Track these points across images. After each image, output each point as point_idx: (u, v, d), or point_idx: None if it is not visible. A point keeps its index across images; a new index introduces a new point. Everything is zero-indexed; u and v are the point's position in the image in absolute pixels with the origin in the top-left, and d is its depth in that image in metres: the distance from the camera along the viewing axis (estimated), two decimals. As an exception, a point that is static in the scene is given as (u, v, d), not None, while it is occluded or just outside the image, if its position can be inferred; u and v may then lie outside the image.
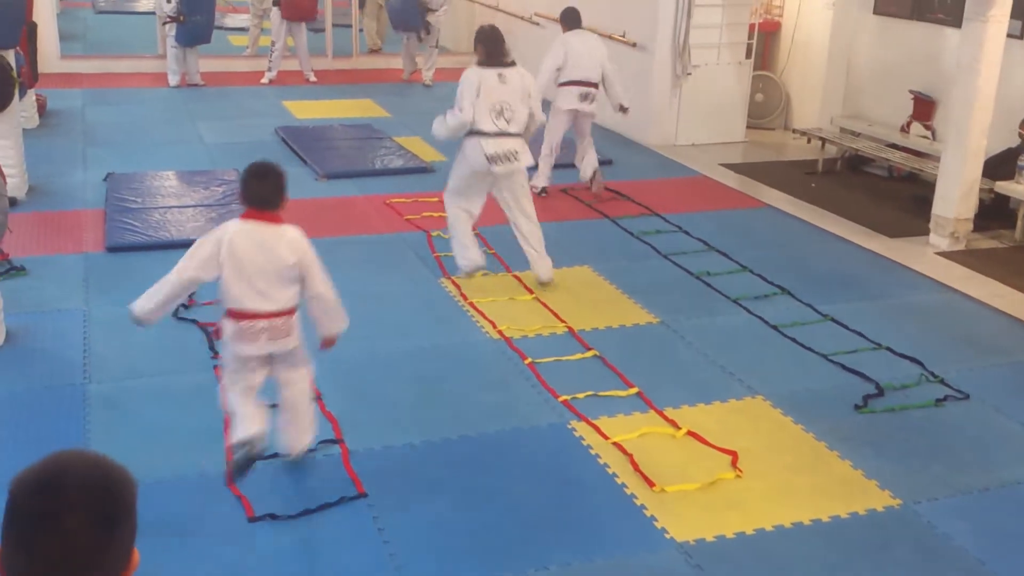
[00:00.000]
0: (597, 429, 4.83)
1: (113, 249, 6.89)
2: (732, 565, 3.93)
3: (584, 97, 8.40)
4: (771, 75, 11.47)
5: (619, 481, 4.43)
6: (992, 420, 5.13)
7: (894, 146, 9.53)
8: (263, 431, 4.20)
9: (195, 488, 4.27)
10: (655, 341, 5.88)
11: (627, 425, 4.89)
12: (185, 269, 4.10)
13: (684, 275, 6.87)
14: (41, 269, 6.51)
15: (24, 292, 6.14)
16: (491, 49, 6.32)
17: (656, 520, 4.17)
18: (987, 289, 6.82)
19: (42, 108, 10.47)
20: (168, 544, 3.90)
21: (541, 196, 8.35)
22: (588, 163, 8.61)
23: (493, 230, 7.55)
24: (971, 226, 7.65)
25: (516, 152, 6.25)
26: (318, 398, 5.00)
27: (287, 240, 4.09)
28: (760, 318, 6.20)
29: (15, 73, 7.70)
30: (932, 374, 5.52)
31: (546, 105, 7.30)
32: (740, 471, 4.55)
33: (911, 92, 9.50)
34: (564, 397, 5.11)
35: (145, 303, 4.18)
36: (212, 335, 4.48)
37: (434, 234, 7.42)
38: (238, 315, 4.10)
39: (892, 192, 9.18)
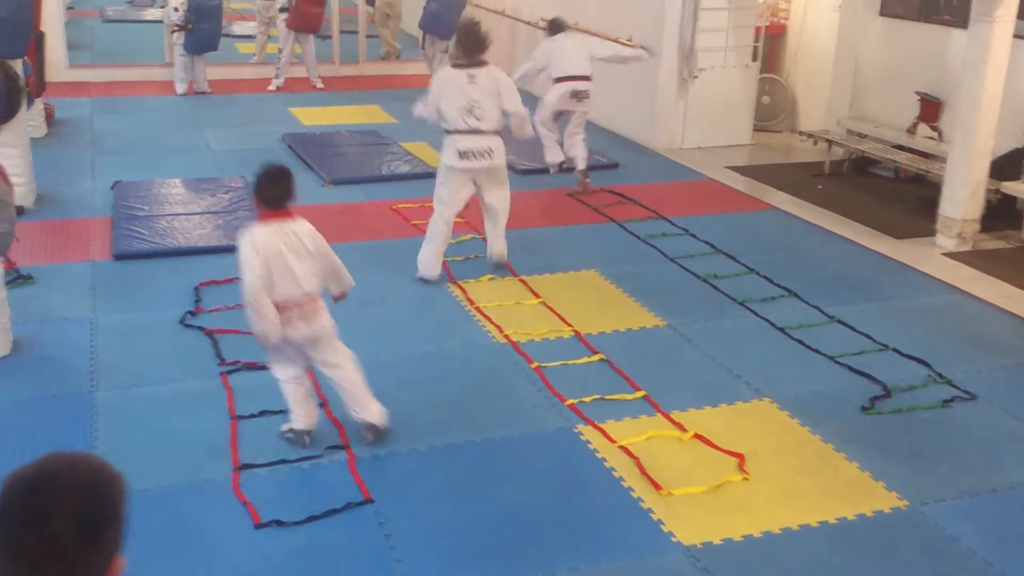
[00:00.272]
0: (604, 433, 4.83)
1: (120, 257, 6.92)
2: (739, 568, 3.92)
3: (575, 95, 8.58)
4: (777, 77, 11.46)
5: (626, 484, 4.43)
6: (999, 421, 5.11)
7: (901, 147, 9.50)
8: (311, 423, 4.69)
9: (202, 495, 4.28)
10: (662, 344, 5.88)
11: (634, 428, 4.89)
12: (252, 282, 4.39)
13: (691, 278, 6.87)
14: (48, 277, 6.54)
15: (31, 300, 6.17)
16: (465, 49, 6.55)
17: (663, 523, 4.17)
18: (994, 290, 6.80)
19: (50, 117, 10.52)
20: (175, 550, 3.92)
21: (563, 169, 9.03)
22: (580, 158, 8.74)
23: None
24: (978, 227, 7.63)
25: (491, 150, 6.49)
26: (324, 404, 5.02)
27: (304, 231, 4.51)
28: (767, 320, 6.19)
29: (23, 82, 7.74)
30: (939, 375, 5.51)
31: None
32: (747, 474, 4.54)
33: (917, 93, 9.48)
34: (571, 401, 5.11)
35: (268, 336, 4.49)
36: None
37: (440, 239, 7.43)
38: (276, 307, 4.44)
39: (899, 193, 9.16)
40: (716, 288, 6.68)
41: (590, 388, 5.25)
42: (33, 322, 5.87)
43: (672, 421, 4.98)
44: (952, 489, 4.48)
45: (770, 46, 11.38)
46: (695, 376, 5.49)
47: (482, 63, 6.52)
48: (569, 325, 6.04)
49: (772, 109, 11.48)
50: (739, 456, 4.66)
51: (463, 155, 6.46)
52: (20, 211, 7.70)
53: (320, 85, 13.09)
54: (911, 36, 9.63)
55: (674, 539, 4.07)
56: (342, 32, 14.10)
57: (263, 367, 5.36)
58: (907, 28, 9.66)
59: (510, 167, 9.47)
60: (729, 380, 5.44)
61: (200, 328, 5.83)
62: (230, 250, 6.35)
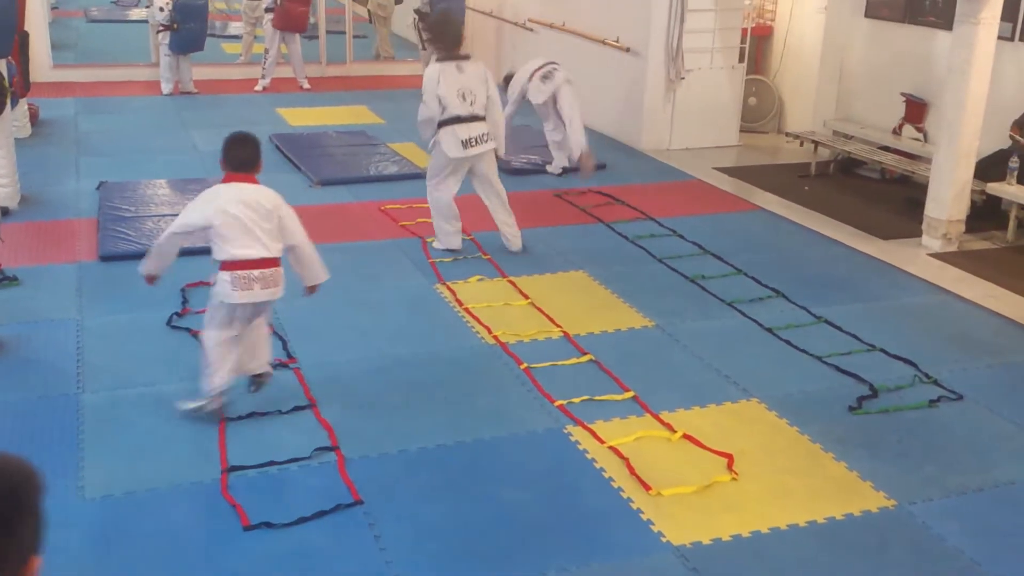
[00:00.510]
0: (593, 433, 4.83)
1: (106, 258, 6.89)
2: (728, 567, 3.93)
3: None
4: (764, 79, 11.50)
5: (615, 485, 4.44)
6: (986, 420, 5.14)
7: (886, 149, 9.55)
8: (223, 386, 4.79)
9: (190, 497, 4.26)
10: (650, 345, 5.89)
11: (623, 429, 4.90)
12: (175, 227, 4.66)
13: (679, 279, 6.88)
14: (34, 279, 6.50)
15: (17, 302, 6.13)
16: (447, 43, 6.92)
17: (652, 523, 4.17)
18: (979, 290, 6.84)
19: (34, 117, 10.46)
20: (163, 553, 3.90)
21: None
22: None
23: (487, 236, 7.57)
24: (963, 227, 7.68)
25: (485, 134, 6.90)
26: (312, 406, 5.01)
27: (265, 193, 4.67)
28: (754, 321, 6.21)
29: (7, 83, 7.70)
30: (926, 375, 5.54)
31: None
32: (736, 474, 4.55)
33: (903, 95, 9.54)
34: (560, 402, 5.12)
35: (149, 265, 4.79)
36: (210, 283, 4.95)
37: (429, 240, 7.43)
38: (234, 265, 4.56)
39: (885, 194, 9.20)
40: (704, 289, 6.70)
41: (579, 389, 5.26)
42: (18, 324, 5.83)
43: (661, 421, 4.98)
44: (939, 489, 4.51)
45: (756, 48, 11.42)
46: (684, 376, 5.50)
47: (466, 56, 6.99)
48: (558, 326, 6.05)
49: (759, 110, 11.52)
50: (728, 456, 4.68)
51: (466, 144, 6.78)
52: (4, 212, 7.67)
53: (307, 85, 13.06)
54: (896, 38, 9.68)
55: (664, 539, 4.07)
56: (329, 32, 14.07)
57: (251, 368, 5.37)
58: (892, 30, 9.72)
59: (499, 168, 9.52)
60: (717, 380, 5.45)
61: (187, 330, 5.80)
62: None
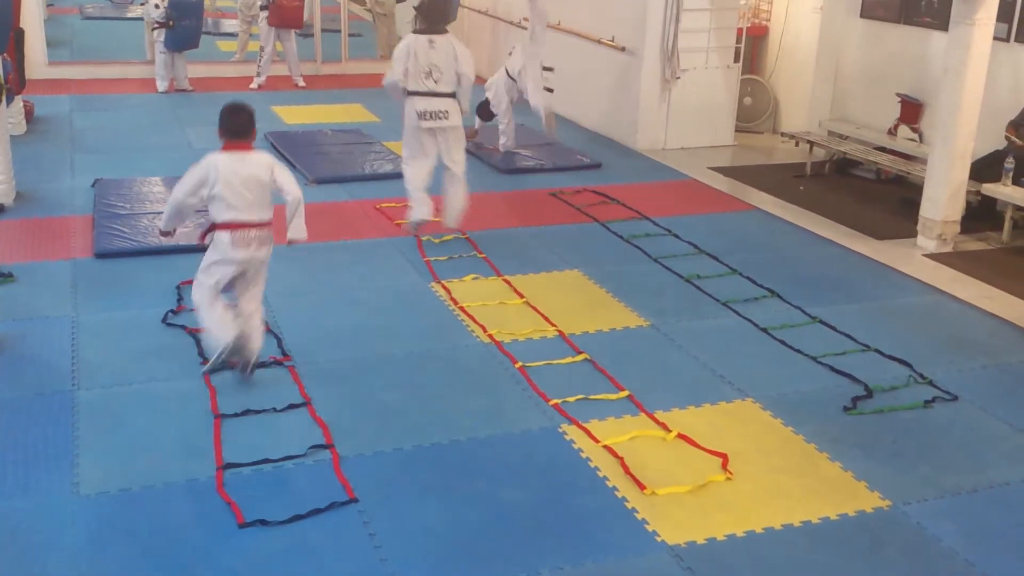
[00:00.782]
0: (588, 432, 4.84)
1: (101, 255, 6.87)
2: (723, 567, 3.94)
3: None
4: (759, 79, 11.51)
5: (610, 484, 4.44)
6: (980, 421, 5.15)
7: (882, 149, 9.57)
8: (242, 333, 5.08)
9: (185, 494, 4.26)
10: (645, 344, 5.89)
11: (618, 428, 4.90)
12: (180, 193, 4.98)
13: (674, 278, 6.89)
14: (29, 276, 6.48)
15: (12, 299, 6.12)
16: (428, 19, 7.17)
17: (647, 523, 4.17)
18: (974, 291, 6.85)
19: (29, 114, 10.44)
20: (158, 551, 3.90)
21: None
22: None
23: (484, 234, 7.58)
24: (958, 228, 7.69)
25: (446, 111, 7.13)
26: (307, 403, 5.00)
27: (260, 160, 5.02)
28: (749, 320, 6.21)
29: (2, 79, 7.68)
30: (920, 375, 5.55)
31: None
32: (730, 473, 4.56)
33: (898, 95, 9.55)
34: (554, 401, 5.12)
35: (165, 223, 5.19)
36: (200, 238, 5.22)
37: (424, 238, 7.43)
38: (233, 225, 4.95)
39: (880, 195, 9.22)
40: (699, 288, 6.71)
41: (574, 388, 5.26)
42: (14, 321, 5.82)
43: (656, 421, 4.99)
44: (934, 489, 4.52)
45: (752, 47, 11.43)
46: (678, 376, 5.51)
47: (443, 31, 7.23)
48: (553, 325, 6.05)
49: (754, 110, 11.53)
50: (723, 456, 4.68)
51: (421, 115, 7.10)
52: (0, 209, 7.66)
53: (302, 83, 13.04)
54: (892, 38, 9.70)
55: (658, 539, 4.08)
56: (324, 31, 14.05)
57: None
58: (888, 30, 9.73)
59: (494, 167, 9.53)
60: (712, 380, 5.46)
61: (182, 327, 5.79)
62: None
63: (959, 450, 4.86)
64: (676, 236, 7.70)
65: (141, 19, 13.94)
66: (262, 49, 12.86)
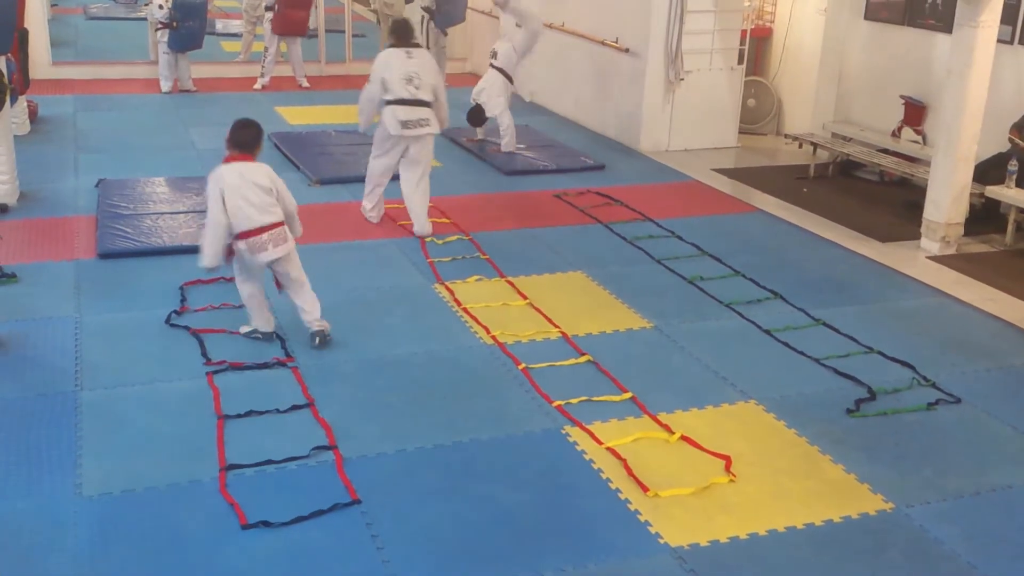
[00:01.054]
0: (591, 434, 4.83)
1: (105, 256, 6.88)
2: (726, 570, 3.94)
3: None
4: (763, 80, 11.50)
5: (613, 486, 4.44)
6: (983, 424, 5.14)
7: (885, 151, 9.56)
8: (270, 324, 5.70)
9: (188, 495, 4.26)
10: (648, 346, 5.89)
11: (621, 430, 4.90)
12: (215, 214, 5.34)
13: (677, 280, 6.89)
14: (32, 276, 6.49)
15: (15, 299, 6.12)
16: (400, 35, 7.51)
17: (650, 525, 4.17)
18: (978, 293, 6.84)
19: (33, 114, 10.45)
20: (161, 552, 3.90)
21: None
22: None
23: (487, 236, 7.58)
24: (962, 230, 7.68)
25: (427, 119, 7.33)
26: (311, 405, 5.01)
27: (262, 171, 5.44)
28: (753, 322, 6.21)
29: (6, 80, 7.69)
30: (923, 378, 5.54)
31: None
32: (733, 475, 4.56)
33: (902, 97, 9.54)
34: (558, 402, 5.12)
35: (208, 260, 5.44)
36: (225, 255, 5.54)
37: (427, 239, 7.43)
38: (246, 234, 5.36)
39: (883, 197, 9.21)
40: (702, 290, 6.70)
41: (577, 389, 5.26)
42: (17, 321, 5.83)
43: (659, 423, 4.99)
44: (937, 492, 4.51)
45: (756, 49, 11.42)
46: (681, 378, 5.50)
47: (417, 45, 7.57)
48: (556, 326, 6.05)
49: (758, 112, 11.52)
50: (725, 458, 4.68)
51: (405, 124, 7.26)
52: (3, 209, 7.67)
53: (306, 84, 13.05)
54: (896, 40, 9.69)
55: (661, 540, 4.08)
56: (328, 31, 14.06)
57: (249, 367, 5.38)
58: (892, 32, 9.72)
59: (498, 169, 9.54)
60: (715, 382, 5.46)
61: (186, 328, 5.80)
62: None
63: (962, 453, 4.86)
64: (679, 238, 7.70)
65: (145, 19, 13.94)
66: (266, 50, 12.88)
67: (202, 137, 10.30)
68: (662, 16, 10.09)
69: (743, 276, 6.97)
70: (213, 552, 3.91)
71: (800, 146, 10.36)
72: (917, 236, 7.77)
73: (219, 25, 16.63)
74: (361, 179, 8.93)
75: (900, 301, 6.73)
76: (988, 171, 8.00)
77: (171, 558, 3.86)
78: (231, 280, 6.32)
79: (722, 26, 10.41)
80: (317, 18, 13.80)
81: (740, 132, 10.97)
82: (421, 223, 7.52)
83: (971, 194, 7.71)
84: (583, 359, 5.63)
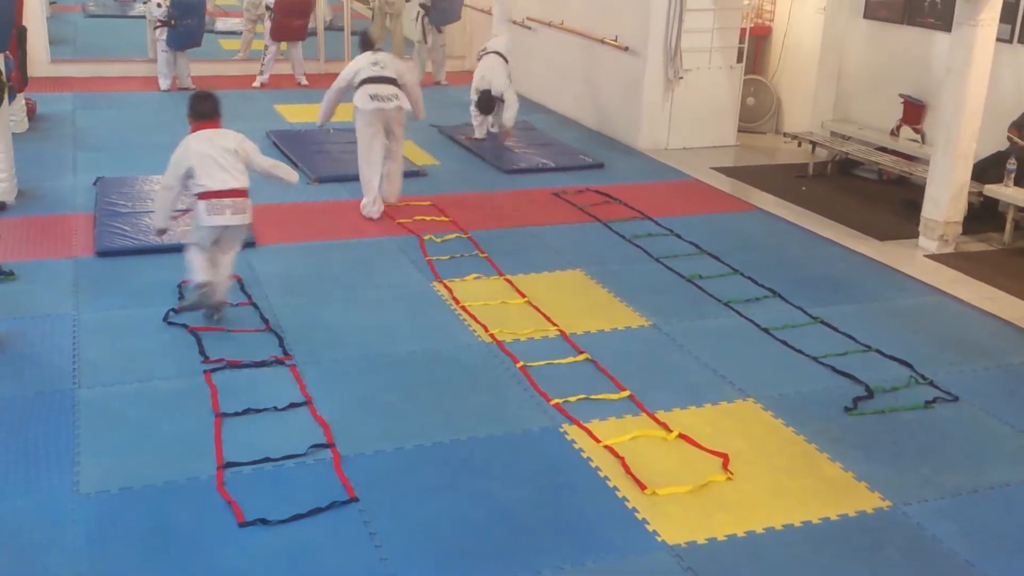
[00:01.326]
0: (589, 432, 4.83)
1: (103, 254, 6.88)
2: (724, 567, 3.94)
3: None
4: (762, 79, 11.50)
5: (611, 484, 4.44)
6: (981, 422, 5.15)
7: (884, 149, 9.56)
8: (214, 280, 5.70)
9: (185, 493, 4.26)
10: (647, 344, 5.89)
11: (619, 428, 4.90)
12: (168, 180, 5.62)
13: (676, 278, 6.89)
14: (30, 274, 6.49)
15: (13, 297, 6.12)
16: (364, 44, 8.11)
17: (648, 523, 4.17)
18: (976, 292, 6.84)
19: (32, 112, 10.44)
20: (158, 549, 3.90)
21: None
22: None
23: (486, 234, 7.58)
24: (960, 229, 7.68)
25: (396, 95, 7.78)
26: (308, 403, 5.00)
27: (230, 136, 5.64)
28: (751, 321, 6.21)
29: (4, 77, 7.68)
30: (921, 376, 5.54)
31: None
32: (731, 473, 4.56)
33: (901, 96, 9.54)
34: (556, 400, 5.12)
35: (158, 221, 5.76)
36: (182, 213, 6.00)
37: (426, 238, 7.43)
38: (208, 195, 5.53)
39: (882, 195, 9.21)
40: (701, 288, 6.70)
41: (575, 388, 5.26)
42: (14, 319, 5.83)
43: (657, 421, 4.99)
44: (934, 490, 4.51)
45: (755, 48, 11.42)
46: (680, 376, 5.50)
47: (380, 49, 8.11)
48: (554, 325, 6.05)
49: (757, 111, 11.52)
50: (723, 456, 4.68)
51: (373, 97, 7.67)
52: (1, 207, 7.67)
53: (305, 82, 13.04)
54: (895, 39, 9.69)
55: (659, 538, 4.08)
56: (327, 29, 14.05)
57: (247, 365, 5.38)
58: (891, 31, 9.72)
59: (497, 167, 9.54)
60: (713, 380, 5.46)
61: (184, 326, 5.80)
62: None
63: (959, 451, 4.86)
64: (678, 236, 7.70)
65: (144, 17, 13.93)
66: (266, 48, 12.87)
67: (201, 135, 10.27)
68: (661, 14, 10.08)
69: (742, 274, 6.97)
70: (211, 550, 3.91)
71: (799, 144, 10.37)
72: (915, 234, 7.77)
73: (219, 23, 16.63)
74: (358, 177, 8.95)
75: (898, 299, 6.73)
76: (987, 169, 8.00)
77: (169, 556, 3.86)
78: (230, 277, 6.34)
79: (721, 24, 10.41)
80: (316, 17, 13.79)
81: (739, 130, 10.97)
82: (389, 190, 7.98)
83: (969, 192, 7.71)
84: (581, 357, 5.64)
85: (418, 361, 5.55)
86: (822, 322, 6.23)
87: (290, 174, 5.99)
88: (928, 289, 6.91)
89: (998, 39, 7.43)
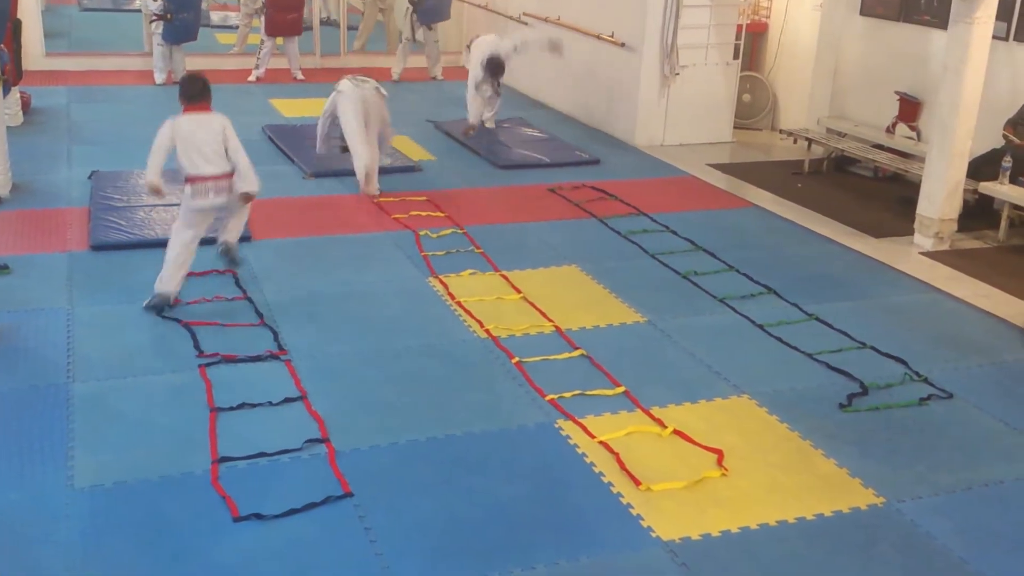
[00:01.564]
0: (584, 428, 4.84)
1: (97, 248, 6.86)
2: (718, 563, 3.94)
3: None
4: (758, 76, 11.50)
5: (605, 480, 4.44)
6: (975, 419, 5.16)
7: (880, 147, 9.57)
8: (175, 293, 5.92)
9: (180, 488, 4.26)
10: (642, 340, 5.89)
11: (613, 424, 4.90)
12: (161, 140, 5.80)
13: (671, 274, 6.89)
14: (25, 268, 6.47)
15: (7, 291, 6.11)
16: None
17: (642, 519, 4.18)
18: (971, 289, 6.86)
19: (26, 106, 10.41)
20: (153, 544, 3.90)
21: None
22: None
23: (481, 229, 7.57)
24: (955, 226, 7.69)
25: (377, 87, 8.36)
26: (303, 397, 5.00)
27: (217, 121, 5.83)
28: (746, 317, 6.22)
29: (-1, 70, 7.67)
30: (916, 373, 5.55)
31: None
32: (726, 470, 4.56)
33: (897, 93, 9.55)
34: (551, 396, 5.12)
35: (150, 175, 5.84)
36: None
37: (422, 233, 7.42)
38: (193, 179, 5.79)
39: (877, 192, 9.22)
40: (696, 285, 6.71)
41: (570, 383, 5.26)
42: (9, 313, 5.82)
43: (652, 417, 4.99)
44: (928, 487, 4.52)
45: (751, 44, 11.42)
46: (675, 372, 5.51)
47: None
48: (550, 320, 6.05)
49: (753, 107, 11.52)
50: (718, 452, 4.69)
51: (356, 86, 8.26)
52: (-4, 200, 7.65)
53: (301, 77, 13.02)
54: (891, 36, 9.69)
55: (653, 534, 4.08)
56: (322, 24, 14.02)
57: (242, 360, 5.37)
58: (887, 28, 9.72)
59: (492, 162, 9.53)
60: (708, 376, 5.46)
61: (178, 320, 5.79)
62: (208, 241, 6.34)
63: (954, 448, 4.87)
64: (674, 232, 7.70)
65: (139, 11, 13.89)
66: (262, 42, 12.84)
67: (196, 129, 10.24)
68: (658, 11, 10.07)
69: (737, 271, 6.97)
70: (205, 545, 3.90)
71: (795, 141, 10.37)
72: (911, 232, 7.78)
73: (214, 17, 16.59)
74: (354, 172, 8.94)
75: (893, 297, 6.74)
76: (982, 167, 8.01)
77: (163, 550, 3.86)
78: (224, 272, 6.35)
79: (718, 21, 10.40)
80: (312, 11, 13.76)
81: (735, 127, 10.97)
82: (368, 184, 8.23)
83: (965, 190, 7.72)
84: (576, 353, 5.64)
85: (413, 356, 5.55)
86: (817, 319, 6.23)
87: (252, 184, 5.93)
88: (923, 286, 6.92)
89: (994, 37, 7.44)
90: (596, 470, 4.51)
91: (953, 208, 7.62)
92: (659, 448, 4.73)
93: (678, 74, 10.32)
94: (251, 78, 12.79)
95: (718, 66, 10.58)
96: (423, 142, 10.17)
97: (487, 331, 5.85)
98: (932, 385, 5.44)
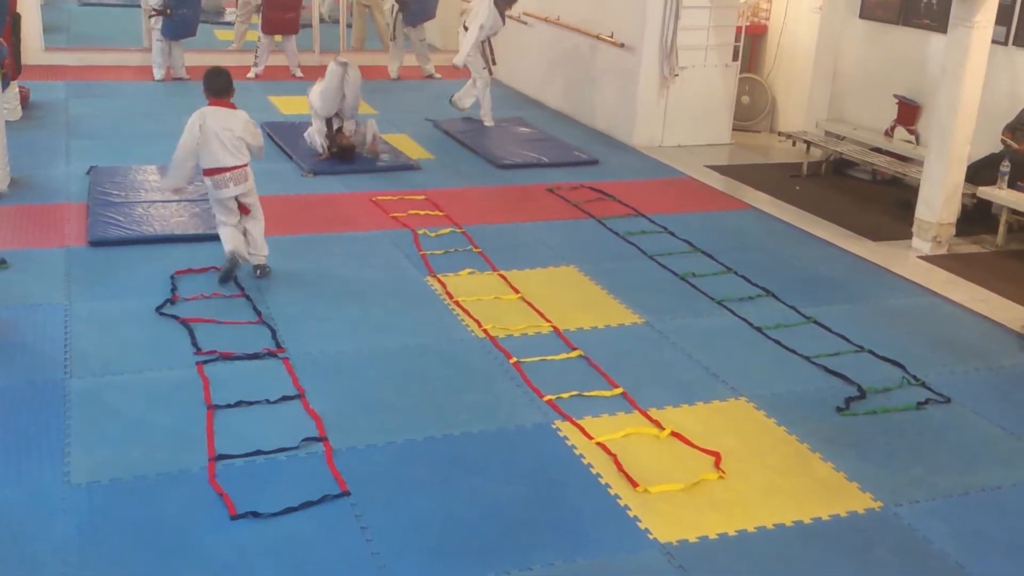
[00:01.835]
0: (581, 429, 4.84)
1: (96, 243, 6.85)
2: (715, 566, 3.94)
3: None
4: (757, 78, 11.51)
5: (603, 481, 4.44)
6: (973, 423, 5.16)
7: (878, 150, 9.57)
8: (242, 246, 6.33)
9: (176, 485, 4.25)
10: (640, 342, 5.89)
11: (611, 425, 4.90)
12: (187, 142, 6.10)
13: (669, 276, 6.89)
14: (22, 263, 6.46)
15: (5, 286, 6.09)
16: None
17: (639, 520, 4.18)
18: (969, 293, 6.86)
19: (25, 100, 10.39)
20: (150, 541, 3.89)
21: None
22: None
23: (480, 229, 7.57)
24: (953, 231, 7.70)
25: (354, 68, 8.89)
26: (301, 396, 4.99)
27: (239, 118, 6.18)
28: (744, 320, 6.22)
29: (-2, 65, 7.65)
30: (914, 377, 5.56)
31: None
32: (723, 472, 4.56)
33: (896, 96, 9.56)
34: (549, 397, 5.12)
35: (171, 181, 6.38)
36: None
37: (420, 232, 7.42)
38: (212, 171, 6.14)
39: (876, 196, 9.22)
40: (694, 286, 6.71)
41: (568, 384, 5.26)
42: (6, 308, 5.80)
43: (649, 418, 4.99)
44: (926, 491, 4.53)
45: (751, 46, 11.42)
46: (672, 374, 5.51)
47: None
48: (548, 321, 6.04)
49: (752, 109, 11.53)
50: (715, 454, 4.69)
51: (339, 64, 8.89)
52: (-6, 195, 7.63)
53: (299, 74, 13.00)
54: (890, 39, 9.70)
55: (650, 536, 4.08)
56: (322, 21, 14.00)
57: (239, 357, 5.36)
58: (887, 31, 9.73)
59: (491, 162, 9.53)
60: (706, 378, 5.46)
61: (176, 317, 5.78)
62: (207, 238, 6.34)
63: (951, 452, 4.88)
64: (672, 234, 7.70)
65: (138, 6, 13.86)
66: (260, 39, 12.82)
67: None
68: (657, 11, 10.08)
69: (735, 273, 6.98)
70: (202, 542, 3.90)
71: (793, 144, 10.37)
72: (909, 235, 7.79)
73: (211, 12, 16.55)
74: (354, 170, 8.94)
75: (891, 300, 6.74)
76: (980, 172, 8.02)
77: (159, 548, 3.85)
78: (220, 269, 6.34)
79: (717, 22, 10.41)
80: (311, 8, 13.74)
81: (734, 129, 10.97)
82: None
83: (963, 194, 7.73)
84: (574, 354, 5.64)
85: (411, 355, 5.55)
86: (815, 322, 6.24)
87: (259, 153, 6.44)
88: (921, 290, 6.93)
89: (993, 41, 7.44)
90: (593, 471, 4.51)
91: (951, 212, 7.63)
92: (657, 450, 4.73)
93: (677, 75, 10.32)
94: (250, 75, 12.76)
95: (717, 68, 10.59)
96: (422, 141, 10.17)
97: (485, 331, 5.85)
98: (930, 389, 5.44)
